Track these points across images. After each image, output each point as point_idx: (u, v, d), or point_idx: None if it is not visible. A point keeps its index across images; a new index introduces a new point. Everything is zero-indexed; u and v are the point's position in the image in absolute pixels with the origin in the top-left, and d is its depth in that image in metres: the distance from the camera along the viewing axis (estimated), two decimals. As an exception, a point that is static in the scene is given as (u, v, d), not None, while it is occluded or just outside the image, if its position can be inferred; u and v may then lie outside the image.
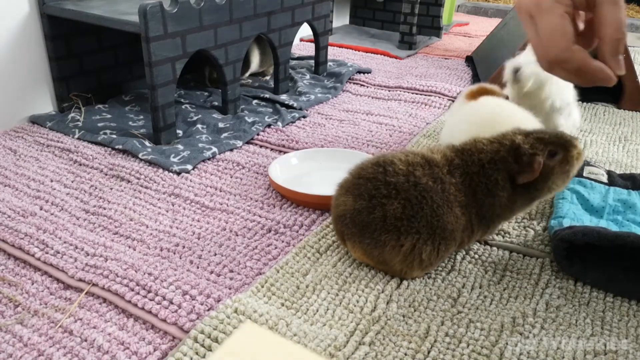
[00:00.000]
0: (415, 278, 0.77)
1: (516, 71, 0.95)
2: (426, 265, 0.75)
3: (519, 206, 0.78)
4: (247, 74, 1.64)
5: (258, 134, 1.27)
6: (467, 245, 0.81)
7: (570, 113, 1.10)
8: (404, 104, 1.52)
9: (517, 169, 0.74)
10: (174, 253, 0.83)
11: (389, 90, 1.64)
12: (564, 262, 0.79)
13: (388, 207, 0.72)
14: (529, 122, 0.93)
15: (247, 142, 1.24)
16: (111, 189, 1.02)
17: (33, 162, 1.10)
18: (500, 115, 0.93)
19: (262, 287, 0.74)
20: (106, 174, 1.07)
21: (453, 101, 1.54)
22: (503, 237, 0.88)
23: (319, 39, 1.66)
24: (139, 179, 1.05)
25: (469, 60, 1.98)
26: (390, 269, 0.76)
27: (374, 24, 2.48)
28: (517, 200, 0.77)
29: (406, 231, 0.72)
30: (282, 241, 0.87)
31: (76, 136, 1.21)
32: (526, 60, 0.94)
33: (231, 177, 1.07)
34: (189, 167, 1.08)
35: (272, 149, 1.21)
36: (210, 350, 0.63)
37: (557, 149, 0.75)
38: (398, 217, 0.72)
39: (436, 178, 0.73)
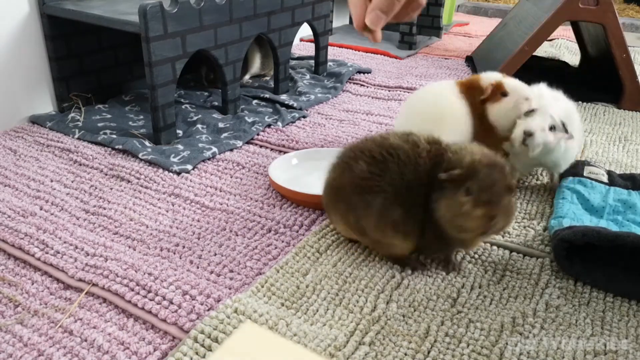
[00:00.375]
0: (414, 271, 0.77)
1: (528, 135, 0.93)
2: (405, 233, 0.74)
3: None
4: (247, 76, 1.64)
5: (258, 134, 1.27)
6: (426, 250, 0.79)
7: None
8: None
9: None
10: (174, 253, 0.83)
11: (389, 90, 1.64)
12: (564, 262, 0.79)
13: (354, 168, 0.74)
14: (459, 113, 0.99)
15: (247, 142, 1.24)
16: (111, 189, 1.02)
17: (33, 162, 1.10)
18: (430, 107, 1.00)
19: (262, 287, 0.74)
20: (106, 174, 1.07)
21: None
22: (503, 236, 0.88)
23: (319, 39, 1.66)
24: (139, 179, 1.05)
25: (469, 60, 1.98)
26: (373, 242, 0.78)
27: (374, 24, 2.47)
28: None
29: (372, 190, 0.73)
30: (282, 241, 0.87)
31: (76, 136, 1.21)
32: (539, 125, 0.93)
33: (231, 177, 1.07)
34: (189, 167, 1.08)
35: (272, 149, 1.21)
36: (210, 350, 0.63)
37: (473, 191, 0.68)
38: (364, 176, 0.73)
39: (410, 141, 0.74)
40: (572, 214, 0.86)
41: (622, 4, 3.26)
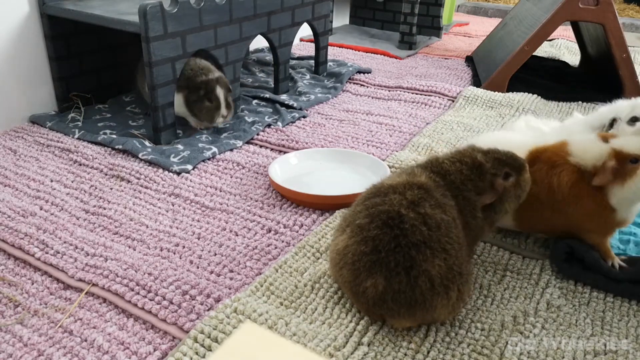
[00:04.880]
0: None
1: (635, 120, 0.84)
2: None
3: (482, 231, 0.75)
4: None
5: (258, 134, 1.27)
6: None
7: None
8: (404, 104, 1.52)
9: (480, 190, 0.72)
10: (174, 253, 0.83)
11: (389, 90, 1.64)
12: (563, 264, 0.79)
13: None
14: None
15: (247, 142, 1.23)
16: (111, 189, 1.02)
17: (33, 162, 1.10)
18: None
19: (261, 286, 0.74)
20: (106, 174, 1.07)
21: (453, 101, 1.54)
22: (503, 238, 0.88)
23: (319, 39, 1.66)
24: (139, 179, 1.05)
25: (469, 60, 1.98)
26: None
27: (374, 24, 2.48)
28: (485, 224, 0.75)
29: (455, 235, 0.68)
30: (282, 241, 0.87)
31: (76, 136, 1.21)
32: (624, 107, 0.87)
33: (231, 177, 1.07)
34: (189, 167, 1.08)
35: (272, 149, 1.21)
36: (210, 350, 0.63)
37: (512, 172, 0.73)
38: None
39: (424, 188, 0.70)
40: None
41: (622, 4, 3.26)
